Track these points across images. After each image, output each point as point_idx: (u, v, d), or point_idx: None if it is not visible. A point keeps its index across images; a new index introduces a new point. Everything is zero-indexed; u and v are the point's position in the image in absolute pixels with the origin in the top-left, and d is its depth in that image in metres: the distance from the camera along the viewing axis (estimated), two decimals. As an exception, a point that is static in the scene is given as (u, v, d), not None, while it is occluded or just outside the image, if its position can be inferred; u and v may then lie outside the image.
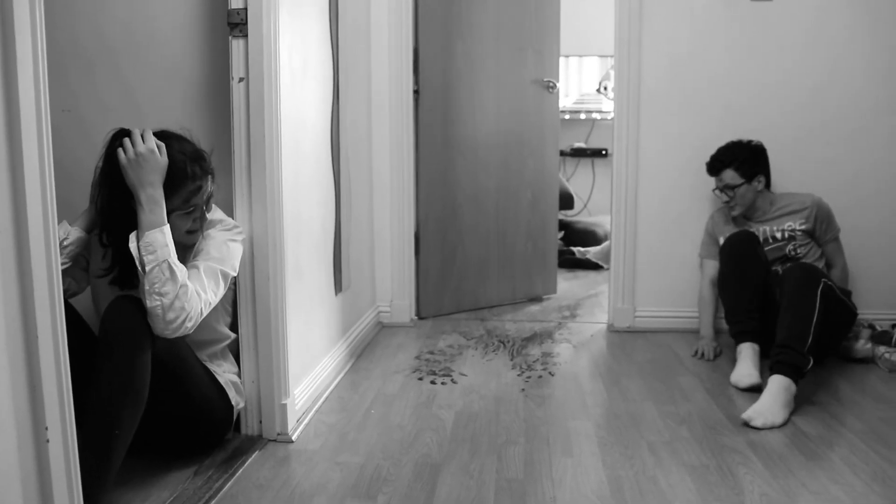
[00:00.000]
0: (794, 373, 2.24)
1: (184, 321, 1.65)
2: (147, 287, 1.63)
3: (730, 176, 2.91)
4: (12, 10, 1.08)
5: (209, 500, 1.71)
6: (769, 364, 2.30)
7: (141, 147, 1.69)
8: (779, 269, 2.82)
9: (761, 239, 2.85)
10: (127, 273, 1.77)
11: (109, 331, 1.62)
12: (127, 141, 1.70)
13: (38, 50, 1.13)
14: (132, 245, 1.66)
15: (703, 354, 2.86)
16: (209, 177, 1.84)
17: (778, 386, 2.21)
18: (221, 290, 1.81)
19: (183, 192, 1.77)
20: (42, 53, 1.14)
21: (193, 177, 1.78)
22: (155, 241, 1.65)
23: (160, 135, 1.77)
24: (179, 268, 1.66)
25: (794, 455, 1.96)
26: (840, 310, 2.52)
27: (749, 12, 3.12)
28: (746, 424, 2.14)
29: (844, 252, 2.95)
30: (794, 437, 2.08)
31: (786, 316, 2.36)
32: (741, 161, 2.89)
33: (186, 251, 1.85)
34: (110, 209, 1.76)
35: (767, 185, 2.95)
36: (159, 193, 1.70)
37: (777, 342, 2.31)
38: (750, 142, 2.95)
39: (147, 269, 1.63)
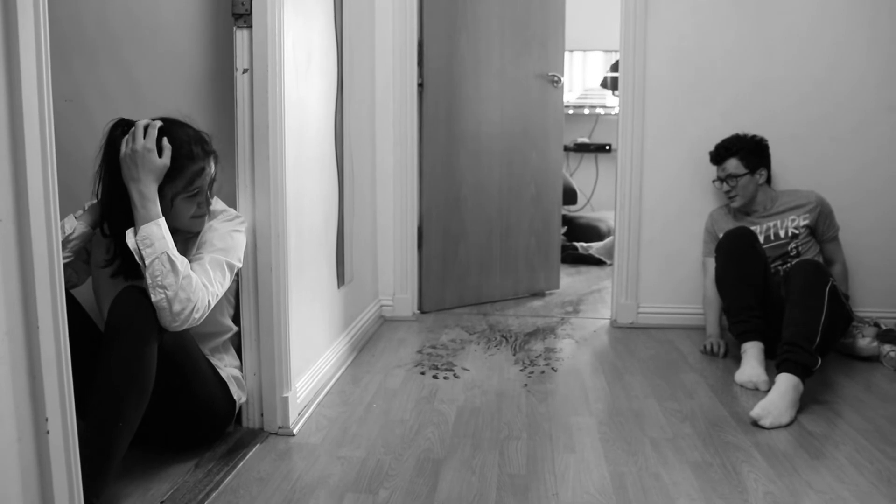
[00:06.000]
0: (802, 372, 2.22)
1: (191, 312, 1.64)
2: (150, 281, 1.62)
3: (734, 165, 2.91)
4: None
5: (210, 492, 1.70)
6: (777, 362, 2.28)
7: (138, 144, 1.67)
8: (779, 266, 2.81)
9: (763, 236, 2.84)
10: (128, 264, 1.75)
11: (116, 322, 1.61)
12: (130, 135, 1.69)
13: (40, 38, 1.11)
14: (129, 241, 1.65)
15: (712, 350, 2.84)
16: (212, 158, 1.83)
17: (786, 385, 2.19)
18: (227, 282, 1.80)
19: (187, 173, 1.76)
20: (45, 41, 1.12)
21: (196, 157, 1.77)
22: (151, 234, 1.64)
23: (161, 121, 1.75)
24: (180, 259, 1.65)
25: (799, 454, 1.95)
26: (840, 312, 2.50)
27: (754, 6, 3.10)
28: (755, 423, 2.12)
29: (843, 250, 2.95)
30: (798, 436, 2.06)
31: (794, 313, 2.34)
32: (747, 151, 2.90)
33: (190, 241, 1.84)
34: (109, 199, 1.74)
35: (768, 180, 2.95)
36: (150, 190, 1.68)
37: (785, 340, 2.29)
38: (753, 136, 2.95)
39: (147, 262, 1.62)
